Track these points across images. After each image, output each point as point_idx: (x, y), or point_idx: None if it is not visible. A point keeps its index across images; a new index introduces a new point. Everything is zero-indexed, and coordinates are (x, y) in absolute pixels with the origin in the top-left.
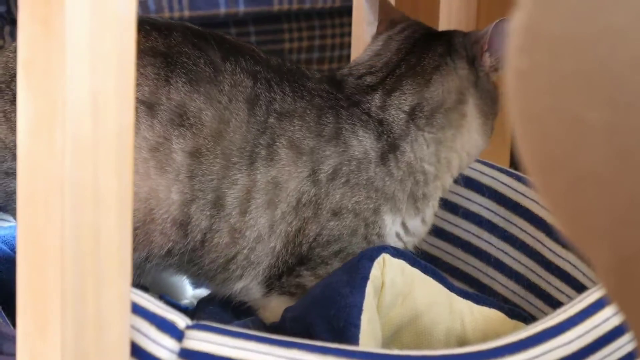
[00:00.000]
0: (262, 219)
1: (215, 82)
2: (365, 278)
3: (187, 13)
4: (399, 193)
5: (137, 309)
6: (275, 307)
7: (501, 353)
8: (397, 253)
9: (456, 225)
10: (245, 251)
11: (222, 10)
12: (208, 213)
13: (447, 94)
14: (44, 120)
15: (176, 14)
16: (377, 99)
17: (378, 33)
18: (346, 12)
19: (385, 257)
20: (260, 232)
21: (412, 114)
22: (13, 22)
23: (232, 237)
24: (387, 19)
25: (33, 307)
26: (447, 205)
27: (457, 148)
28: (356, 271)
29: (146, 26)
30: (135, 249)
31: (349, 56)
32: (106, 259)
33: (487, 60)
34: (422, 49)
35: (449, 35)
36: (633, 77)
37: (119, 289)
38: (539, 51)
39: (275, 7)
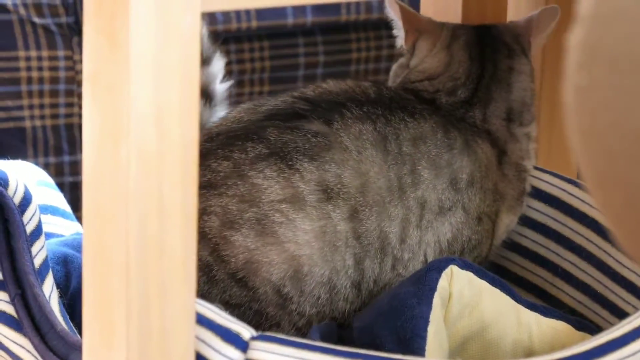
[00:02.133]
0: (415, 238)
1: (334, 145)
2: (433, 290)
3: (254, 23)
4: (512, 191)
5: (202, 320)
6: None
7: None
8: (464, 265)
9: (523, 236)
10: (402, 272)
11: (290, 20)
12: (378, 260)
13: (524, 92)
14: (109, 133)
15: (244, 25)
16: (478, 113)
17: (413, 43)
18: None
19: (453, 268)
20: (413, 250)
21: (509, 119)
22: (81, 33)
23: (393, 267)
24: (414, 29)
25: (98, 319)
26: None
27: (535, 138)
28: (423, 282)
29: (238, 142)
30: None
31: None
32: (171, 271)
33: (534, 50)
34: (491, 54)
35: (499, 33)
36: None
37: (184, 300)
38: (598, 67)
39: (343, 17)
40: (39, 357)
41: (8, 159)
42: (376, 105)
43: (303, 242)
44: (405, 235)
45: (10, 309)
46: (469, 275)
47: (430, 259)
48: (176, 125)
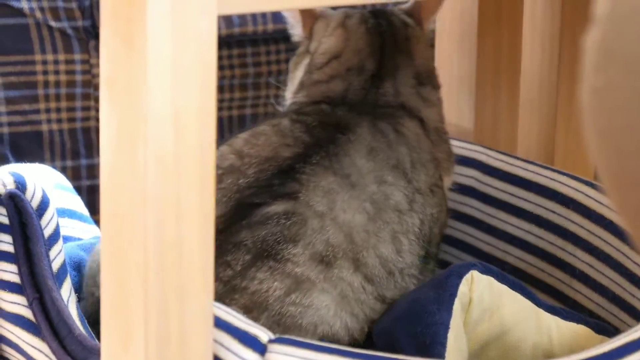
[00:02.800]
0: (405, 242)
1: (308, 216)
2: (453, 295)
3: (270, 26)
4: (442, 154)
5: (220, 323)
6: None
7: None
8: (485, 269)
9: (540, 238)
10: (412, 275)
11: None
12: (392, 283)
13: (426, 58)
14: (127, 136)
15: (260, 28)
16: (389, 86)
17: (310, 28)
18: None
19: (473, 274)
20: (408, 251)
21: (419, 84)
22: (98, 37)
23: (402, 277)
24: (309, 15)
25: (117, 322)
26: (532, 217)
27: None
28: (444, 288)
29: (217, 260)
30: None
31: None
32: (189, 274)
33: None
34: (387, 26)
35: (390, 10)
36: None
37: (202, 303)
38: (614, 68)
39: None
40: None
41: (25, 162)
42: (319, 148)
43: (330, 317)
44: (398, 246)
45: (28, 313)
46: (489, 279)
47: (409, 248)
48: (193, 128)
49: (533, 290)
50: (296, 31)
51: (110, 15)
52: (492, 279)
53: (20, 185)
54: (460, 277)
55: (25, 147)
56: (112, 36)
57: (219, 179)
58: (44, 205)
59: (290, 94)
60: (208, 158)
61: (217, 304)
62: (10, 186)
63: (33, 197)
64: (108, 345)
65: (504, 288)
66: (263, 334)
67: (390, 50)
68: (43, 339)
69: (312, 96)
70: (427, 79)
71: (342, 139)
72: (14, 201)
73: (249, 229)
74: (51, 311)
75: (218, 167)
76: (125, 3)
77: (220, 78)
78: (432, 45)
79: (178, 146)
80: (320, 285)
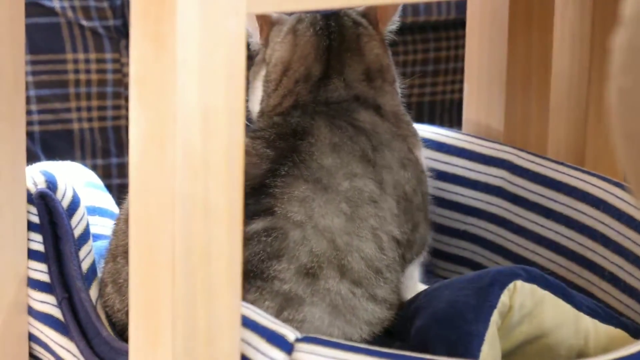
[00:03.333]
0: (385, 236)
1: (288, 229)
2: (493, 307)
3: None
4: (407, 131)
5: (247, 322)
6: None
7: None
8: (529, 277)
9: (570, 239)
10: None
11: None
12: (381, 281)
13: (378, 55)
14: (156, 136)
15: None
16: (337, 82)
17: (266, 36)
18: (461, 24)
19: (517, 283)
20: (390, 245)
21: (369, 79)
22: (129, 36)
23: (390, 271)
24: (267, 22)
25: (145, 321)
26: (561, 218)
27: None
28: (485, 297)
29: None
30: None
31: (462, 68)
32: (216, 273)
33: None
34: (336, 27)
35: (343, 12)
36: None
37: (229, 302)
38: None
39: None
40: None
41: (56, 160)
42: (284, 159)
43: (326, 327)
44: (379, 242)
45: (57, 313)
46: (532, 287)
47: (389, 245)
48: (222, 127)
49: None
50: (254, 39)
51: (140, 15)
52: (535, 286)
53: (52, 184)
54: (503, 287)
55: (56, 146)
56: (142, 36)
57: None
58: (74, 205)
59: (254, 106)
60: (236, 157)
61: (245, 303)
62: (42, 185)
63: (64, 197)
64: (136, 342)
65: (546, 294)
66: (290, 333)
67: (337, 49)
68: (71, 338)
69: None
70: (378, 74)
71: (303, 144)
72: (45, 200)
73: None
74: (80, 311)
75: None
76: (155, 3)
77: None
78: (394, 44)
79: (206, 145)
80: (309, 300)
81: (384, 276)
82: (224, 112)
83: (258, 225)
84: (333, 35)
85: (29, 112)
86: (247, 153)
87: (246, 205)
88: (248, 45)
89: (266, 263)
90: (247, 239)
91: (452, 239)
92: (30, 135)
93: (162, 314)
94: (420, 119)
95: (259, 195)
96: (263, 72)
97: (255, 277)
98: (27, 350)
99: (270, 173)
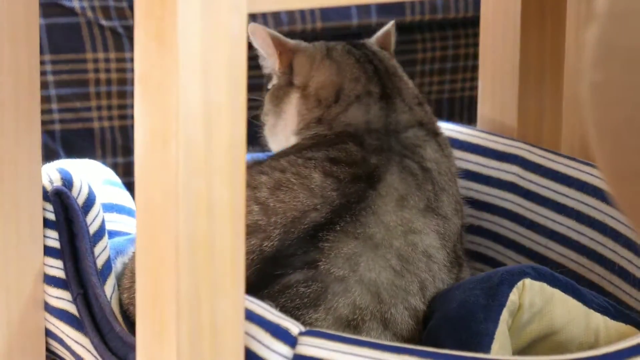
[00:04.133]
0: (437, 279)
1: (329, 282)
2: (502, 305)
3: (319, 24)
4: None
5: (251, 316)
6: None
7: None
8: (538, 275)
9: (581, 234)
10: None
11: (355, 21)
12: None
13: (409, 80)
14: (159, 133)
15: (308, 26)
16: (400, 102)
17: (289, 62)
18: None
19: (525, 282)
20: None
21: (419, 104)
22: None
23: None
24: (287, 49)
25: (150, 315)
26: (573, 213)
27: None
28: (494, 297)
29: None
30: None
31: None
32: (220, 268)
33: None
34: (372, 55)
35: (367, 42)
36: None
37: (233, 296)
38: (613, 64)
39: (408, 18)
40: (98, 357)
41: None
42: (345, 211)
43: None
44: (426, 293)
45: (72, 308)
46: (541, 285)
47: (435, 291)
48: (224, 125)
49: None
50: (269, 64)
51: (143, 14)
52: (544, 284)
53: (67, 181)
54: (511, 286)
55: (77, 144)
56: (145, 35)
57: None
58: (89, 202)
59: (286, 126)
60: (238, 154)
61: (249, 297)
62: (57, 183)
63: (79, 194)
64: (142, 337)
65: (555, 292)
66: (294, 327)
67: (385, 75)
68: (86, 334)
69: (334, 128)
70: (422, 99)
71: (372, 195)
72: (61, 198)
73: (270, 297)
74: (94, 307)
75: None
76: (157, 3)
77: None
78: None
79: (209, 143)
80: None
81: (421, 323)
82: (226, 110)
83: (299, 276)
84: (374, 62)
85: (49, 111)
86: (311, 192)
87: (293, 255)
88: (250, 45)
89: (302, 311)
90: (286, 287)
91: (467, 235)
92: (51, 133)
93: (167, 309)
94: (439, 116)
95: (307, 247)
96: (296, 95)
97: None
98: (44, 346)
99: (326, 226)
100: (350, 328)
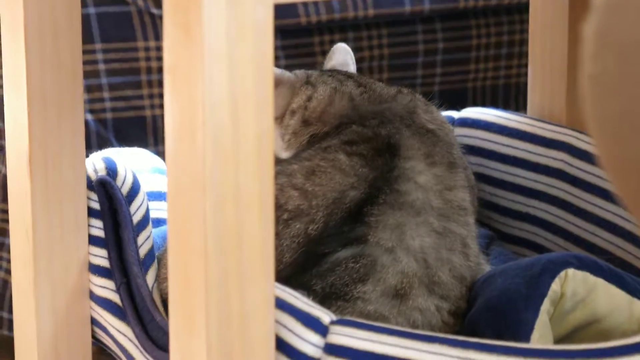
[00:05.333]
0: (473, 250)
1: (377, 255)
2: (543, 295)
3: (371, 12)
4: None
5: (282, 305)
6: None
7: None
8: (581, 264)
9: (628, 221)
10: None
11: (408, 8)
12: (458, 289)
13: None
14: (187, 123)
15: (360, 13)
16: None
17: None
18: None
19: (568, 272)
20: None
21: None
22: None
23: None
24: None
25: (181, 304)
26: (620, 200)
27: None
28: (535, 286)
29: None
30: None
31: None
32: (249, 257)
33: None
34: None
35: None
36: None
37: (263, 286)
38: (609, 56)
39: (461, 4)
40: (139, 347)
41: (129, 147)
42: (382, 183)
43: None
44: (467, 250)
45: (115, 298)
46: (584, 275)
47: (474, 251)
48: (251, 115)
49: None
50: None
51: (171, 5)
52: (587, 274)
53: (111, 171)
54: (553, 276)
55: (129, 133)
56: (173, 26)
57: (285, 223)
58: (134, 191)
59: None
60: (266, 144)
61: (280, 286)
62: (102, 172)
63: (124, 183)
64: (175, 326)
65: (599, 281)
66: (325, 316)
67: (356, 76)
68: (128, 323)
69: (329, 123)
70: None
71: (400, 161)
72: (105, 187)
73: (319, 276)
74: (136, 296)
75: (282, 207)
76: None
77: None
78: None
79: (236, 133)
80: (394, 320)
81: (467, 282)
82: (253, 100)
83: (347, 252)
84: (347, 73)
85: (101, 100)
86: (343, 172)
87: (340, 233)
88: (276, 35)
89: (350, 286)
90: (335, 265)
91: (514, 221)
92: (103, 122)
93: (196, 298)
94: (494, 103)
95: (354, 223)
96: (276, 128)
97: (337, 298)
98: (90, 334)
99: (369, 201)
100: (397, 297)
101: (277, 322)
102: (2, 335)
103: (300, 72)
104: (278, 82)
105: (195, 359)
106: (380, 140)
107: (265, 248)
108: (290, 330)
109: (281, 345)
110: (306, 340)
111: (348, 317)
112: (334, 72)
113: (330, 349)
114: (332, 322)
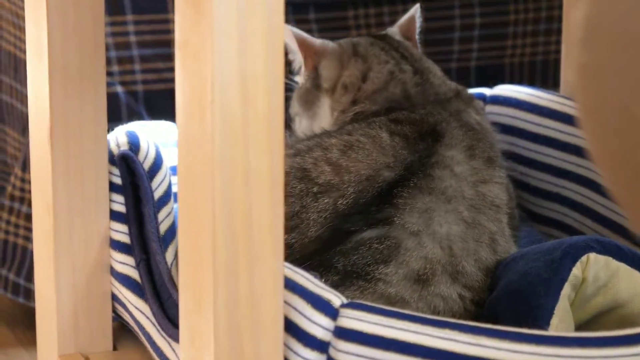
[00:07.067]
0: (503, 241)
1: (402, 238)
2: (564, 280)
3: None
4: None
5: (293, 286)
6: None
7: None
8: (603, 249)
9: None
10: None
11: None
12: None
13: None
14: (196, 100)
15: None
16: (435, 80)
17: (314, 67)
18: None
19: (590, 256)
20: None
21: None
22: None
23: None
24: (312, 53)
25: (191, 283)
26: None
27: None
28: (556, 271)
29: None
30: None
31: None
32: (258, 237)
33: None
34: (397, 44)
35: (390, 33)
36: None
37: (272, 266)
38: (598, 45)
39: None
40: (156, 324)
41: (159, 120)
42: (418, 167)
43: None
44: (495, 246)
45: (135, 274)
46: (606, 259)
47: (504, 247)
48: (261, 92)
49: None
50: (296, 59)
51: None
52: (609, 258)
53: (134, 145)
54: (574, 260)
55: (159, 105)
56: (184, 1)
57: (314, 196)
58: (156, 166)
59: (313, 127)
60: (276, 122)
61: (290, 266)
62: (124, 147)
63: (146, 158)
64: (185, 305)
65: (621, 266)
66: (336, 299)
67: (411, 58)
68: (146, 300)
69: (378, 103)
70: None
71: (441, 148)
72: (127, 162)
73: (342, 255)
74: (155, 274)
75: (313, 180)
76: None
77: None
78: None
79: (246, 110)
80: (414, 305)
81: (492, 273)
82: (263, 78)
83: (372, 232)
84: (400, 48)
85: (132, 72)
86: (382, 150)
87: (367, 212)
88: (286, 12)
89: (372, 267)
90: (359, 245)
91: (544, 201)
92: (134, 94)
93: (205, 277)
94: (532, 80)
95: (383, 204)
96: (326, 99)
97: (358, 278)
98: (110, 309)
99: (400, 183)
100: (419, 282)
101: (286, 303)
102: (19, 304)
103: (345, 42)
104: (322, 53)
105: (204, 337)
106: (427, 125)
107: (274, 227)
108: (299, 312)
109: (290, 327)
110: (316, 323)
111: (360, 301)
112: (386, 46)
113: (340, 332)
114: (343, 305)
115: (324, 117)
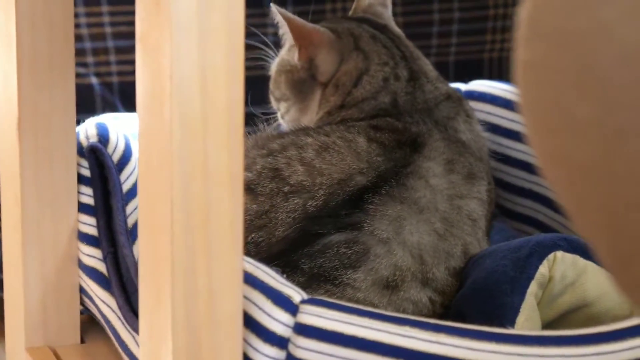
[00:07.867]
0: (480, 243)
1: (371, 244)
2: (530, 278)
3: None
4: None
5: (253, 282)
6: None
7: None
8: (570, 247)
9: None
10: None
11: None
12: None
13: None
14: (156, 95)
15: None
16: (427, 83)
17: (309, 58)
18: None
19: (557, 254)
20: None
21: (441, 79)
22: None
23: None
24: (307, 43)
25: (150, 277)
26: None
27: None
28: (522, 269)
29: None
30: None
31: None
32: (217, 233)
33: None
34: (395, 39)
35: (387, 25)
36: (619, 73)
37: (231, 262)
38: (538, 43)
39: None
40: (121, 318)
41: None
42: (391, 175)
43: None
44: (468, 254)
45: (102, 267)
46: (574, 258)
47: (477, 252)
48: (221, 87)
49: None
50: (288, 38)
51: None
52: (577, 257)
53: (103, 138)
54: (541, 258)
55: (134, 97)
56: None
57: (284, 196)
58: (125, 159)
59: (302, 120)
60: (236, 117)
61: (252, 261)
62: (93, 139)
63: (115, 151)
64: (143, 301)
65: (589, 264)
66: (296, 295)
67: (411, 58)
68: (112, 294)
69: (365, 112)
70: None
71: (418, 159)
72: (96, 154)
73: (309, 257)
74: (122, 267)
75: (284, 179)
76: None
77: None
78: None
79: (205, 105)
80: (383, 309)
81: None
82: (223, 72)
83: (341, 237)
84: (401, 46)
85: (107, 63)
86: (357, 155)
87: (337, 216)
88: (247, 5)
89: (340, 271)
90: (327, 248)
91: (517, 198)
92: (109, 85)
93: (163, 272)
94: (500, 75)
95: (353, 209)
96: (319, 91)
97: (325, 281)
98: (78, 301)
99: (372, 189)
100: (389, 288)
101: (246, 298)
102: None
103: (343, 32)
104: (319, 44)
105: (162, 332)
106: (408, 134)
107: (234, 223)
108: (259, 308)
109: (250, 322)
110: (276, 319)
111: (318, 297)
112: (388, 40)
113: (300, 328)
114: (303, 302)
115: (314, 110)
